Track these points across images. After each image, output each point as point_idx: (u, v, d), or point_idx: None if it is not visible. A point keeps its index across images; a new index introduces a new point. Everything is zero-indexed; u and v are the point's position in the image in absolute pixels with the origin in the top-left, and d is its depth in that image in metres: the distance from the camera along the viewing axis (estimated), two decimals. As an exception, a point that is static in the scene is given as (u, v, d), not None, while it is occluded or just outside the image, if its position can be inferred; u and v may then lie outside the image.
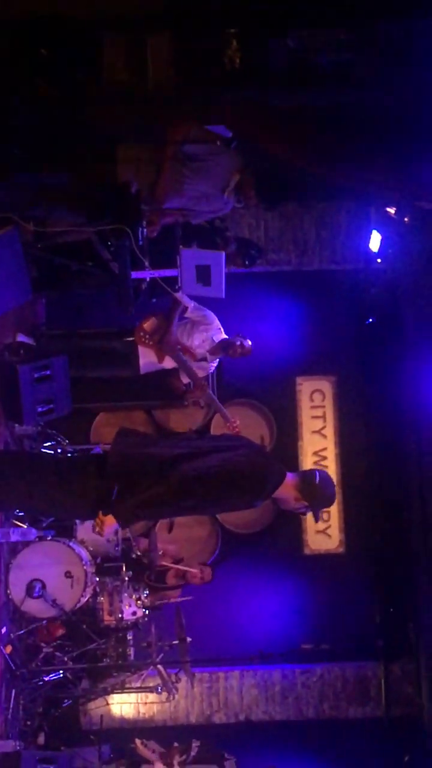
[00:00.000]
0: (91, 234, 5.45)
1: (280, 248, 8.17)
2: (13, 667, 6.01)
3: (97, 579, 6.43)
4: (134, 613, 6.46)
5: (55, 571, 6.09)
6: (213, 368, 6.91)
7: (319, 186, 7.21)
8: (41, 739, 6.42)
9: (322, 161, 5.50)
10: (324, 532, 7.97)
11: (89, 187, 5.36)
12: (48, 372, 6.05)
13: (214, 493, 4.21)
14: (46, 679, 6.36)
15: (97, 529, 4.26)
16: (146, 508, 4.23)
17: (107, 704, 7.13)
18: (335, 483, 4.49)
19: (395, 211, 6.83)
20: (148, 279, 5.82)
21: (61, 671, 6.43)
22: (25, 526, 6.26)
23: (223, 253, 5.57)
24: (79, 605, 6.17)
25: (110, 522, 4.21)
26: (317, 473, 4.34)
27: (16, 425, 6.28)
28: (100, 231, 5.34)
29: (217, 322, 6.62)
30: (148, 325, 6.51)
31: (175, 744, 6.40)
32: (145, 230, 5.29)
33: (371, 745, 7.37)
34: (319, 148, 5.38)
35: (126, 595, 6.45)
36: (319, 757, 7.26)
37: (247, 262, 6.71)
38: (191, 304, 6.39)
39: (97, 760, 6.61)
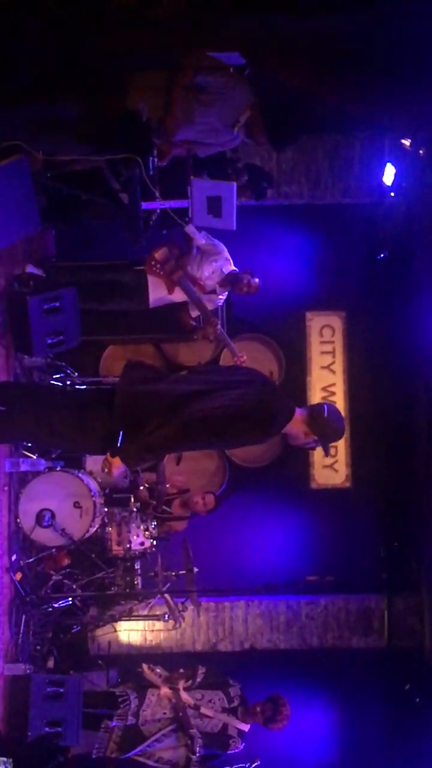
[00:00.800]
0: (101, 164, 5.37)
1: (292, 181, 8.05)
2: (24, 594, 6.12)
3: (106, 510, 6.50)
4: (142, 544, 6.55)
5: (64, 501, 6.16)
6: (222, 301, 6.88)
7: (334, 117, 7.06)
8: (51, 663, 6.58)
9: (338, 89, 5.37)
10: (331, 467, 8.02)
11: (99, 117, 5.26)
12: (57, 304, 6.02)
13: (220, 435, 4.21)
14: (56, 605, 6.48)
15: (106, 470, 4.29)
16: (152, 450, 4.25)
17: (115, 631, 7.27)
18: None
19: (410, 143, 6.70)
20: (158, 210, 5.75)
21: (70, 598, 6.55)
22: (35, 457, 6.31)
23: (234, 184, 5.49)
24: (87, 535, 6.26)
25: (117, 464, 4.24)
26: (325, 407, 4.33)
27: (26, 357, 6.28)
28: (110, 161, 5.26)
29: (226, 253, 6.57)
30: (159, 255, 6.46)
31: (181, 670, 6.54)
32: (155, 160, 5.21)
33: (373, 675, 7.54)
34: (335, 75, 5.24)
35: (134, 525, 6.53)
36: (322, 685, 7.43)
37: (255, 196, 6.62)
38: (201, 235, 6.32)
39: (105, 684, 6.78)
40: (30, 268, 6.43)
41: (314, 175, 8.05)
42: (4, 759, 3.12)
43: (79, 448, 5.53)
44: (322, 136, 7.89)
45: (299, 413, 4.25)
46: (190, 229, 6.12)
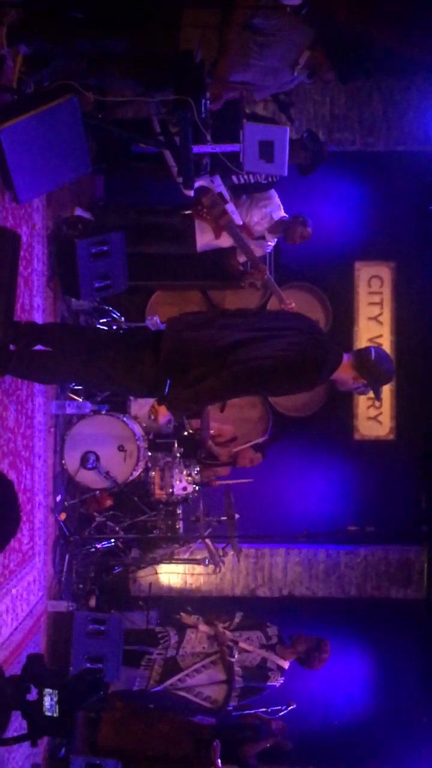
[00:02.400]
0: (151, 105, 5.30)
1: (345, 127, 7.88)
2: (67, 534, 6.23)
3: (150, 454, 6.56)
4: (184, 489, 6.61)
5: (108, 444, 6.22)
6: (270, 248, 6.81)
7: (391, 60, 6.87)
8: (92, 602, 6.71)
9: (396, 31, 5.22)
10: (375, 419, 7.98)
11: (151, 55, 5.17)
12: (105, 248, 6.00)
13: (267, 384, 4.21)
14: (98, 546, 6.59)
15: (152, 417, 4.31)
16: (198, 399, 4.25)
17: (156, 573, 7.38)
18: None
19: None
20: (209, 154, 5.67)
21: (112, 540, 6.66)
22: (81, 400, 6.37)
23: (287, 129, 5.37)
24: (131, 478, 6.32)
25: (164, 412, 4.26)
26: (372, 350, 4.29)
27: (73, 300, 6.31)
28: (161, 102, 5.18)
29: (277, 199, 6.48)
30: (206, 199, 6.38)
31: (219, 615, 6.64)
32: (208, 102, 5.11)
33: (410, 626, 7.58)
34: (394, 16, 5.10)
35: (177, 471, 6.58)
36: (358, 634, 7.50)
37: (303, 170, 6.50)
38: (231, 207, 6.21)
39: (145, 624, 6.91)
40: (78, 211, 6.41)
41: (368, 122, 7.87)
42: (50, 690, 3.20)
43: (125, 391, 5.55)
44: (377, 80, 7.70)
45: (347, 358, 4.24)
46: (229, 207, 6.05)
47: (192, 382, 4.14)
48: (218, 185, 6.06)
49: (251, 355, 4.12)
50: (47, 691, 3.23)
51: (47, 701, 3.23)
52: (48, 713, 3.22)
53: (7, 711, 2.46)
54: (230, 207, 6.15)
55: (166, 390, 4.14)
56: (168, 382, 4.14)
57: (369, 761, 7.21)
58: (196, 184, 5.73)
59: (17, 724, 3.77)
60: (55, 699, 3.21)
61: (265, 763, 6.61)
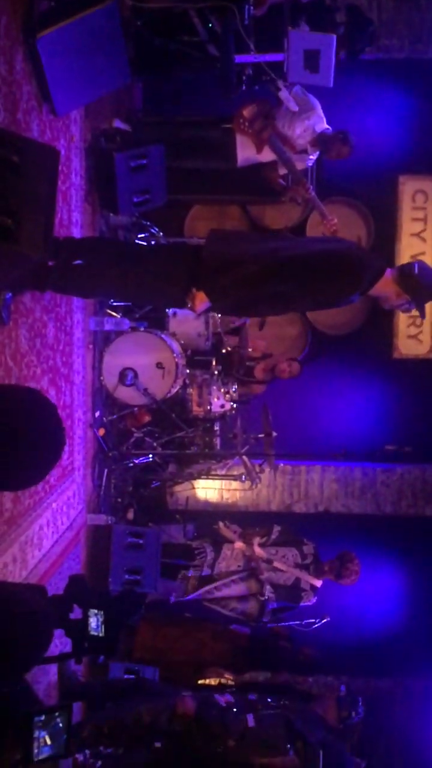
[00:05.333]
0: (193, 11, 5.10)
1: (392, 33, 7.55)
2: (106, 449, 6.30)
3: (188, 371, 6.56)
4: (222, 406, 6.63)
5: (147, 361, 6.22)
6: (312, 162, 6.62)
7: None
8: (131, 515, 6.82)
9: None
10: (415, 337, 7.88)
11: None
12: (144, 161, 5.89)
13: (309, 278, 4.14)
14: (136, 461, 6.67)
15: (189, 304, 4.25)
16: (239, 287, 4.18)
17: (193, 488, 7.46)
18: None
19: None
20: (252, 63, 5.48)
21: (150, 455, 6.72)
22: (119, 316, 6.35)
23: (334, 37, 5.16)
24: (169, 395, 6.34)
25: (202, 298, 4.20)
26: (416, 264, 4.21)
27: (111, 215, 6.23)
28: (203, 8, 4.98)
29: (320, 111, 6.27)
30: (248, 111, 6.18)
31: (257, 528, 6.72)
32: (251, 9, 4.91)
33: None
34: None
35: (215, 388, 6.59)
36: (393, 550, 7.57)
37: (350, 51, 6.17)
38: (292, 103, 5.98)
39: (182, 537, 7.03)
40: (117, 123, 6.27)
41: (416, 28, 7.53)
42: (95, 611, 3.29)
43: (165, 301, 5.47)
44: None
45: (389, 273, 4.17)
46: (283, 94, 5.81)
47: (232, 273, 4.11)
48: (289, 101, 5.87)
49: (295, 252, 4.11)
50: (92, 611, 3.31)
51: (93, 621, 3.32)
52: (94, 633, 3.32)
53: (51, 630, 2.53)
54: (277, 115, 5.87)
55: (207, 275, 4.11)
56: (209, 268, 4.10)
57: (399, 672, 7.38)
58: (240, 92, 5.55)
59: (55, 642, 3.91)
60: (101, 619, 3.30)
61: (297, 674, 6.80)
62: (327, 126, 6.35)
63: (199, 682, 6.06)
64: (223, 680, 6.00)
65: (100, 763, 5.30)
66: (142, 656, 6.36)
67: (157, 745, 4.58)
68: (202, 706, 4.80)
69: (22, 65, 4.27)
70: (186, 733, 4.66)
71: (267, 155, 6.35)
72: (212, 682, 6.02)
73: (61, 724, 2.75)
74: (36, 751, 2.68)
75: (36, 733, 2.67)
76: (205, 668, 6.22)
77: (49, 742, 2.72)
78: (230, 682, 6.03)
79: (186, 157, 6.46)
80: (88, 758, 5.34)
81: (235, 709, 4.84)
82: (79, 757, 5.23)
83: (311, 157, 6.51)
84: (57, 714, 2.75)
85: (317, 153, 6.50)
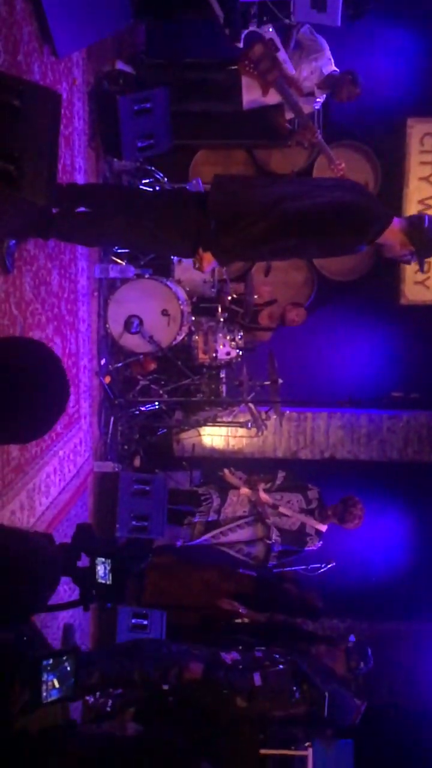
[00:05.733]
0: None
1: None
2: (112, 397, 6.32)
3: (193, 318, 6.54)
4: (228, 353, 6.62)
5: (152, 308, 6.19)
6: (319, 105, 6.50)
7: None
8: (137, 462, 6.87)
9: None
10: (422, 284, 7.81)
11: None
12: (148, 105, 5.79)
13: (316, 233, 4.10)
14: (143, 409, 6.69)
15: (197, 265, 4.25)
16: (246, 246, 4.16)
17: (199, 435, 7.50)
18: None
19: None
20: (257, 2, 5.35)
21: (156, 403, 6.74)
22: (124, 264, 6.31)
23: (341, -26, 5.03)
24: (174, 343, 6.33)
25: (209, 259, 4.18)
26: (427, 217, 4.17)
27: (115, 160, 6.14)
28: None
29: (328, 52, 6.13)
30: (253, 52, 6.06)
31: (261, 474, 6.76)
32: None
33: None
34: None
35: (220, 335, 6.57)
36: (398, 496, 7.61)
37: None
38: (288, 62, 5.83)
39: (188, 484, 7.08)
40: (120, 65, 6.15)
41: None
42: (103, 559, 3.33)
43: (169, 249, 5.43)
44: None
45: (397, 222, 4.13)
46: (281, 55, 5.67)
47: (239, 229, 4.07)
48: (268, 33, 5.72)
49: (302, 203, 4.06)
50: (100, 559, 3.35)
51: (101, 569, 3.36)
52: (102, 581, 3.36)
53: (58, 577, 2.56)
54: (282, 55, 5.80)
55: (212, 234, 4.07)
56: (214, 226, 4.06)
57: (403, 615, 7.48)
58: (245, 32, 5.42)
59: (63, 588, 3.94)
60: (109, 567, 3.33)
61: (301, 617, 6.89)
62: (335, 68, 6.22)
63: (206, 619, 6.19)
64: (237, 616, 6.11)
65: (111, 702, 5.42)
66: (151, 599, 6.45)
67: (165, 687, 4.68)
68: (209, 668, 4.88)
69: (22, 5, 4.17)
70: (194, 693, 4.76)
71: (273, 98, 6.22)
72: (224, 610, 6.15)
73: (68, 668, 2.79)
74: (44, 694, 2.73)
75: (44, 677, 2.71)
76: (211, 611, 6.32)
77: (57, 685, 2.77)
78: (244, 620, 6.14)
79: (191, 100, 6.35)
80: (98, 699, 5.46)
81: (241, 667, 4.92)
82: (89, 698, 5.34)
83: (318, 99, 6.39)
84: (65, 658, 2.79)
85: (324, 96, 6.38)
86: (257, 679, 4.86)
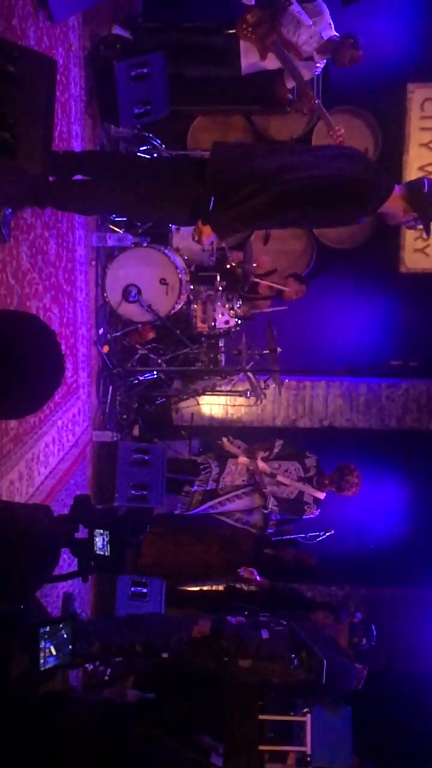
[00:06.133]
0: None
1: None
2: (110, 366, 6.30)
3: (192, 287, 6.50)
4: (227, 322, 6.59)
5: (150, 277, 6.16)
6: (319, 70, 6.42)
7: None
8: (136, 431, 6.87)
9: None
10: (422, 251, 7.76)
11: None
12: (145, 70, 5.72)
13: (316, 206, 4.08)
14: (141, 378, 6.67)
15: (196, 238, 4.23)
16: (244, 220, 4.14)
17: (197, 404, 7.50)
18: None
19: None
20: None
21: (155, 372, 6.72)
22: (121, 232, 6.26)
23: None
24: (173, 311, 6.31)
25: (208, 232, 4.17)
26: (426, 181, 4.14)
27: (112, 126, 6.08)
28: None
29: (328, 16, 6.04)
30: (251, 16, 5.97)
31: (260, 442, 6.76)
32: None
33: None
34: None
35: (219, 304, 6.54)
36: (397, 464, 7.64)
37: None
38: (305, 16, 5.73)
39: (187, 453, 7.08)
40: (116, 29, 6.06)
41: None
42: (101, 531, 3.34)
43: (167, 218, 5.39)
44: None
45: (398, 189, 4.10)
46: (295, 8, 5.57)
47: (238, 202, 4.04)
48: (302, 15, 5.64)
49: (302, 174, 4.02)
50: (98, 531, 3.37)
51: (98, 541, 3.38)
52: (100, 552, 3.38)
53: (58, 549, 2.57)
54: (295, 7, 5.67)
55: (211, 208, 4.04)
56: (213, 200, 4.03)
57: (401, 582, 7.53)
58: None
59: (63, 559, 3.95)
60: (107, 539, 3.35)
61: (298, 581, 6.95)
62: (335, 32, 6.13)
63: (206, 588, 6.24)
64: (247, 584, 6.16)
65: (110, 670, 5.47)
66: (150, 567, 6.49)
67: (165, 655, 4.72)
68: (217, 624, 4.92)
69: (16, -31, 4.10)
70: (196, 658, 4.80)
71: (272, 62, 6.14)
72: (222, 587, 6.19)
73: (65, 635, 2.82)
74: (42, 661, 2.75)
75: (41, 644, 2.73)
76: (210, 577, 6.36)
77: (54, 652, 2.79)
78: (251, 587, 6.19)
79: (188, 65, 6.27)
80: (98, 666, 5.52)
81: (247, 627, 4.97)
82: (89, 666, 5.39)
83: (318, 65, 6.30)
84: (62, 625, 2.81)
85: (324, 61, 6.30)
86: (264, 633, 4.92)
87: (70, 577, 3.61)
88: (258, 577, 6.22)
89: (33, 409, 2.15)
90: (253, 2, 5.49)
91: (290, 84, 6.24)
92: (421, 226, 4.22)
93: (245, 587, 6.38)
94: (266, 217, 4.14)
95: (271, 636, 4.91)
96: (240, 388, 7.10)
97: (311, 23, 5.92)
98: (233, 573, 6.41)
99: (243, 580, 6.26)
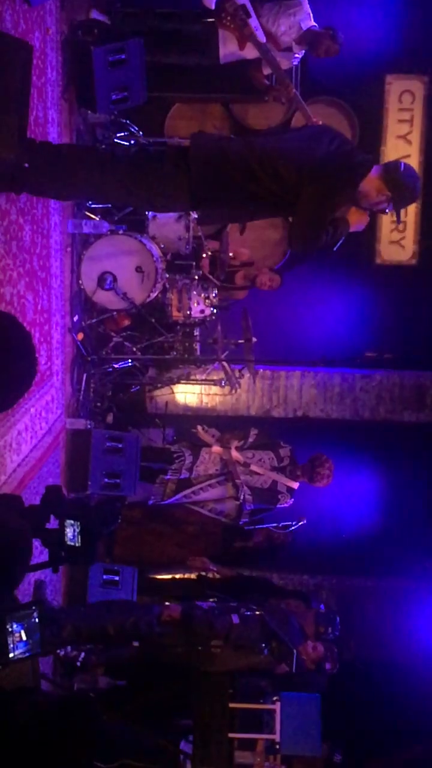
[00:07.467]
0: None
1: None
2: (85, 353, 6.28)
3: (167, 276, 6.49)
4: (202, 311, 6.59)
5: (126, 265, 6.15)
6: (297, 60, 6.41)
7: None
8: (110, 419, 6.86)
9: None
10: (398, 243, 7.80)
11: None
12: (123, 56, 5.68)
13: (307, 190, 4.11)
14: (116, 366, 6.66)
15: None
16: (229, 209, 4.16)
17: (172, 393, 7.49)
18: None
19: None
20: None
21: (129, 360, 6.71)
22: (97, 219, 6.23)
23: None
24: (148, 300, 6.29)
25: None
26: (402, 163, 4.23)
27: (89, 113, 6.04)
28: None
29: (307, 6, 6.03)
30: (230, 5, 5.95)
31: (234, 431, 6.77)
32: None
33: (421, 448, 7.73)
34: None
35: (195, 293, 6.54)
36: (370, 455, 7.68)
37: None
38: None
39: (162, 441, 7.08)
40: (94, 14, 6.02)
41: None
42: (72, 521, 3.33)
43: (148, 204, 5.38)
44: None
45: (374, 169, 4.15)
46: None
47: (223, 188, 4.07)
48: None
49: (283, 150, 4.09)
50: (69, 522, 3.35)
51: (69, 531, 3.37)
52: (70, 543, 3.37)
53: (29, 540, 2.56)
54: (253, 22, 5.71)
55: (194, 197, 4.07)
56: (195, 190, 4.06)
57: (373, 572, 7.58)
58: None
59: (34, 548, 3.94)
60: (78, 530, 3.34)
61: (275, 567, 6.97)
62: (314, 23, 6.12)
63: (178, 576, 6.24)
64: (208, 572, 6.16)
65: (83, 655, 5.47)
66: (122, 555, 6.49)
67: (135, 644, 4.73)
68: (187, 609, 4.94)
69: None
70: (167, 638, 4.81)
71: (251, 52, 6.12)
72: (194, 575, 6.20)
73: (35, 620, 2.79)
74: (11, 646, 2.72)
75: (9, 626, 2.70)
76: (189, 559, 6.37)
77: (24, 637, 2.76)
78: (216, 575, 6.20)
79: (167, 52, 6.23)
80: (70, 652, 5.52)
81: (217, 612, 4.99)
82: (61, 652, 5.39)
83: (296, 55, 6.30)
84: (31, 610, 2.79)
85: (302, 51, 6.29)
86: (235, 618, 4.95)
87: (40, 567, 3.60)
88: (211, 566, 6.22)
89: (2, 408, 2.12)
90: (213, 5, 5.46)
91: (267, 71, 6.22)
92: (391, 211, 4.27)
93: (214, 576, 6.39)
94: (251, 201, 4.20)
95: (242, 621, 4.94)
96: (215, 377, 7.11)
97: (264, 40, 5.92)
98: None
99: (201, 568, 6.26)
